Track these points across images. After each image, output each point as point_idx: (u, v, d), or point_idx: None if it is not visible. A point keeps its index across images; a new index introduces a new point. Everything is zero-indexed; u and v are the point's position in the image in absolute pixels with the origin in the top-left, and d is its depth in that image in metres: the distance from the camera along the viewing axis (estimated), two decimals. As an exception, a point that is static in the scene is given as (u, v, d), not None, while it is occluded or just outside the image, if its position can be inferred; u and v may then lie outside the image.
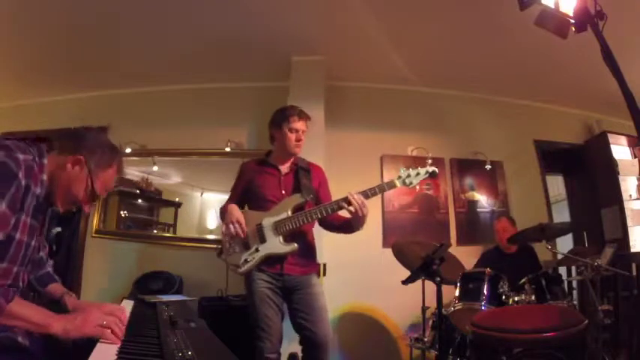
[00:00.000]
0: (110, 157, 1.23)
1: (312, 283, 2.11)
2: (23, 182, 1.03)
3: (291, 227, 2.02)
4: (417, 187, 3.20)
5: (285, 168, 2.21)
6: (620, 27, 1.80)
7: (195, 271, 3.45)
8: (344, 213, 2.06)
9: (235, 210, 2.10)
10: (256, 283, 2.05)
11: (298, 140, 2.14)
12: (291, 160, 2.22)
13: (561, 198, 4.77)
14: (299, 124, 2.14)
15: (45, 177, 1.12)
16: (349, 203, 1.96)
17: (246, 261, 2.05)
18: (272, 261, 2.06)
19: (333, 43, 3.35)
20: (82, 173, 1.16)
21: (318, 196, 2.19)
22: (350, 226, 2.11)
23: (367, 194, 1.99)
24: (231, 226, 2.04)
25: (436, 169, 2.09)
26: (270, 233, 2.04)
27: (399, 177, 2.07)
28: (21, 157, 1.03)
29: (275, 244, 2.04)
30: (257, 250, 2.05)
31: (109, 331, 1.05)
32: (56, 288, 1.41)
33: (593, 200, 4.11)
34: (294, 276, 2.07)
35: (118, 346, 1.01)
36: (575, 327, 1.70)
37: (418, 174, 2.06)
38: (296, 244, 2.03)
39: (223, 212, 2.17)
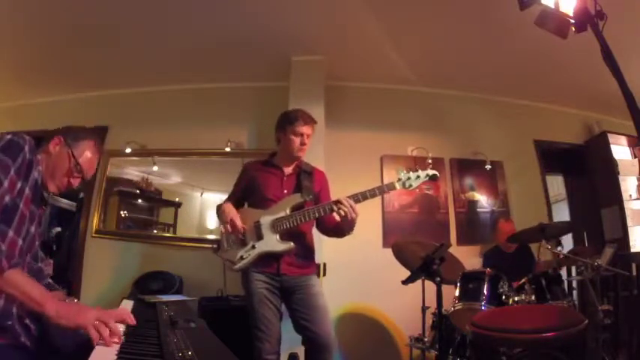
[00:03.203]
0: (84, 132, 1.40)
1: (311, 283, 2.11)
2: (28, 156, 1.16)
3: (288, 226, 2.02)
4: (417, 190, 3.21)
5: (288, 170, 2.22)
6: (620, 27, 1.79)
7: (195, 271, 3.46)
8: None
9: (229, 209, 2.12)
10: (254, 284, 2.05)
11: (302, 144, 2.14)
12: (295, 163, 2.23)
13: (561, 198, 4.77)
14: (304, 129, 2.13)
15: (41, 168, 1.25)
16: (339, 207, 1.95)
17: (241, 257, 2.05)
18: (269, 260, 2.06)
19: (333, 43, 3.35)
20: (64, 150, 1.32)
21: (318, 199, 2.18)
22: (340, 229, 2.11)
23: (358, 198, 1.98)
24: (228, 226, 2.06)
25: (437, 173, 2.08)
26: (268, 231, 2.05)
27: (399, 179, 2.06)
28: (27, 137, 1.18)
29: (271, 242, 2.04)
30: (253, 247, 2.05)
31: (101, 334, 1.01)
32: (57, 295, 1.40)
33: (593, 200, 4.10)
34: (292, 276, 2.07)
35: (119, 345, 1.01)
36: (575, 327, 1.70)
37: (418, 177, 2.05)
38: (292, 243, 2.03)
39: (219, 211, 2.19)
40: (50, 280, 1.44)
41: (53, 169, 1.30)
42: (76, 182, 1.35)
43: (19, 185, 1.13)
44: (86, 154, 1.35)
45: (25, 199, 1.15)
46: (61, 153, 1.31)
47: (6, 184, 1.07)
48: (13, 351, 1.07)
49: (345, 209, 1.94)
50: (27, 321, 1.11)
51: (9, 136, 1.14)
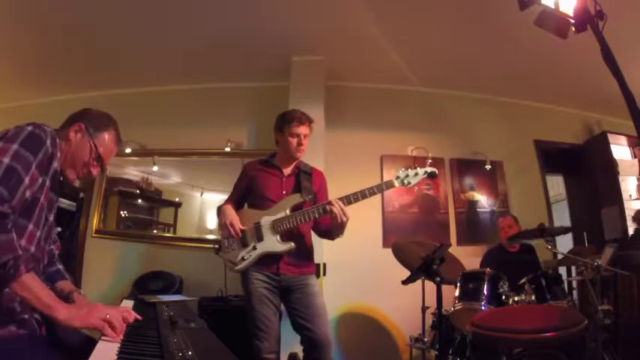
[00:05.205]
0: (107, 120, 1.36)
1: (309, 283, 2.11)
2: (50, 150, 1.14)
3: (288, 226, 2.03)
4: (416, 188, 3.20)
5: (287, 170, 2.22)
6: (620, 27, 1.80)
7: (195, 271, 3.45)
8: None
9: (229, 210, 2.13)
10: (253, 283, 2.05)
11: (300, 145, 2.14)
12: (294, 163, 2.23)
13: (561, 198, 4.77)
14: (300, 129, 2.13)
15: (59, 155, 1.21)
16: (330, 209, 1.95)
17: (243, 258, 2.06)
18: (268, 260, 2.06)
19: (333, 43, 3.35)
20: (85, 138, 1.27)
21: (316, 199, 2.19)
22: (330, 232, 2.12)
23: (350, 199, 1.97)
24: (225, 231, 2.08)
25: (435, 170, 2.09)
26: (268, 232, 2.05)
27: (398, 177, 2.06)
28: (48, 128, 1.16)
29: (272, 243, 2.05)
30: (254, 248, 2.06)
31: (114, 329, 1.06)
32: (65, 285, 1.40)
33: (593, 200, 4.11)
34: (291, 276, 2.08)
35: (119, 345, 1.01)
36: (575, 327, 1.70)
37: (417, 174, 2.05)
38: (293, 243, 2.04)
39: (219, 212, 2.19)
40: (60, 267, 1.44)
41: (73, 158, 1.26)
42: (95, 172, 1.31)
43: (40, 180, 1.11)
44: (107, 144, 1.32)
45: (46, 191, 1.15)
46: (82, 142, 1.27)
47: (27, 180, 1.05)
48: (31, 341, 1.09)
49: (335, 212, 1.94)
50: (36, 315, 1.13)
51: (30, 128, 1.10)
